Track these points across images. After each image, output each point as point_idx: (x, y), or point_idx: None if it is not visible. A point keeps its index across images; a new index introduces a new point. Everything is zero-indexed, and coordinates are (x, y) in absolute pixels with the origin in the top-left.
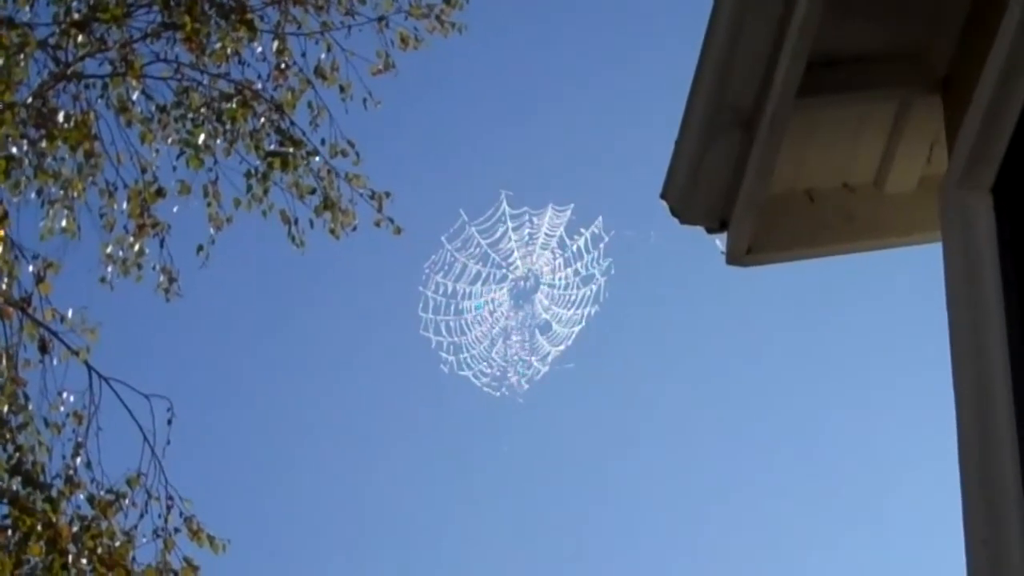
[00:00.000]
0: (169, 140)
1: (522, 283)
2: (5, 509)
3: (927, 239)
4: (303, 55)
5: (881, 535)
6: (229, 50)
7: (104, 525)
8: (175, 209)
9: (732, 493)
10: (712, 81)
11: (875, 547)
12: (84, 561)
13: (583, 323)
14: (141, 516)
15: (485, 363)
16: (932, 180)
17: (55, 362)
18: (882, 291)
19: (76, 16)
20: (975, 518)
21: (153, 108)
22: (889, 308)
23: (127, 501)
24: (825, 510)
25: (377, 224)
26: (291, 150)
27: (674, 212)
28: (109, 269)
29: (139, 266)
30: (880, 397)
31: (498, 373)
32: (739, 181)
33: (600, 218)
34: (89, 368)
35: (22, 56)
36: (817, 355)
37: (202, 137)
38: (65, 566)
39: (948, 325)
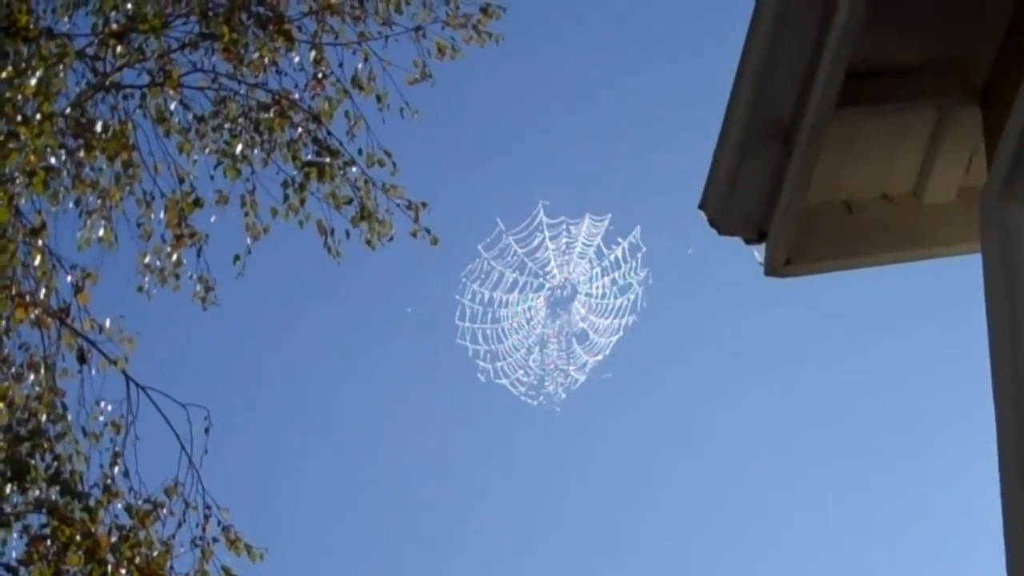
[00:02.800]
0: (207, 150)
1: (559, 292)
2: (44, 519)
3: (966, 250)
4: (340, 65)
5: (922, 539)
6: (267, 60)
7: (142, 535)
8: (212, 219)
9: (770, 502)
10: (751, 91)
11: (916, 550)
12: (123, 571)
13: (621, 333)
14: (179, 525)
15: (522, 371)
16: (971, 191)
17: (93, 372)
18: (921, 301)
19: (114, 27)
20: (1016, 524)
21: (191, 118)
22: (928, 318)
23: (165, 510)
24: (865, 517)
25: (414, 234)
26: (328, 160)
27: (712, 223)
28: (146, 279)
29: (176, 276)
30: (919, 407)
31: (535, 381)
32: (777, 192)
33: (638, 228)
34: (127, 377)
35: (61, 67)
36: (856, 365)
37: (239, 147)
38: None
39: (987, 335)
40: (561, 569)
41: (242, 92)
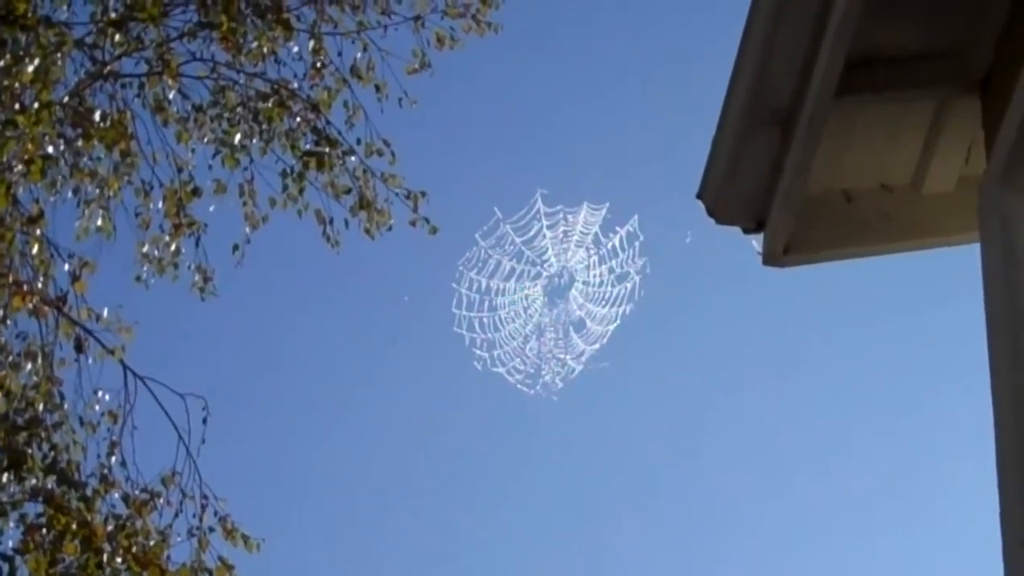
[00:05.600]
0: (205, 139)
1: (556, 280)
2: (40, 508)
3: (965, 239)
4: (339, 54)
5: (919, 537)
6: (265, 49)
7: (139, 524)
8: (211, 208)
9: (767, 493)
10: (750, 80)
11: (913, 549)
12: (119, 560)
13: (618, 321)
14: (176, 515)
15: (519, 359)
16: (970, 180)
17: (90, 361)
18: (919, 291)
19: (113, 15)
20: (1013, 520)
21: (189, 107)
22: (927, 308)
23: (162, 500)
24: (862, 511)
25: (413, 224)
26: (327, 149)
27: (710, 212)
28: (144, 268)
29: (175, 265)
30: (918, 398)
31: (532, 370)
32: (776, 181)
33: (636, 217)
34: (124, 367)
35: (59, 55)
36: (854, 355)
37: (238, 136)
38: (100, 565)
39: (986, 325)
40: (555, 558)
41: (241, 81)
